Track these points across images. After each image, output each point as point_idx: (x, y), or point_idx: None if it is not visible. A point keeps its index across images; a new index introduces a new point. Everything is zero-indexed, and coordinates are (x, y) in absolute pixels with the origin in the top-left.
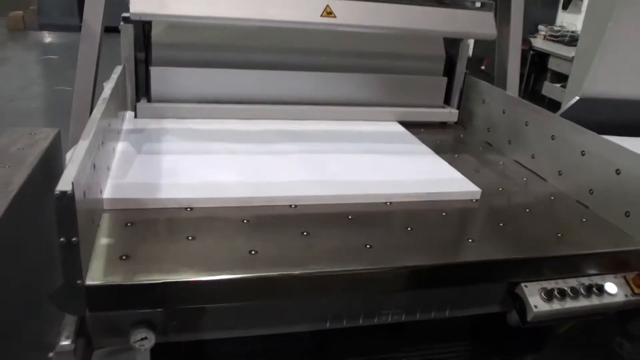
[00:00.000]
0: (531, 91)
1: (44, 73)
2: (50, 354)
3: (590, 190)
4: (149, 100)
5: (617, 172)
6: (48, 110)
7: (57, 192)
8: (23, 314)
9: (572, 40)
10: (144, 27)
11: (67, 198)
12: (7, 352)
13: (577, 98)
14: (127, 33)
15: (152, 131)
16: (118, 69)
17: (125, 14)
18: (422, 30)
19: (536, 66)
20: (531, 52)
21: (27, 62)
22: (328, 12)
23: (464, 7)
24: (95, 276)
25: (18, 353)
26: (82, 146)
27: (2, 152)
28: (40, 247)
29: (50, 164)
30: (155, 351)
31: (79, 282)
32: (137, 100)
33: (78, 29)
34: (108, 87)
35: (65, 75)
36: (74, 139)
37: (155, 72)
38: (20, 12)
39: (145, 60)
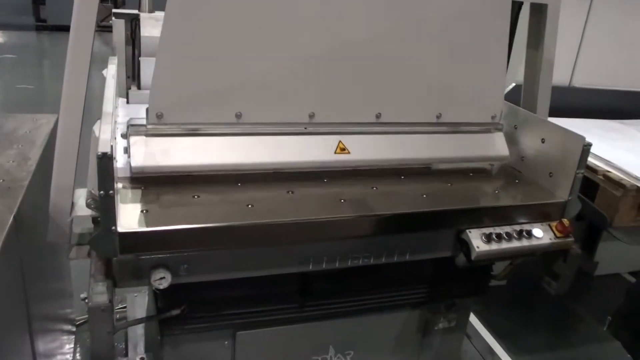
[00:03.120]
0: None
1: (1, 72)
2: (82, 295)
3: (522, 157)
4: (139, 88)
5: (542, 141)
6: (11, 108)
7: (99, 154)
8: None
9: None
10: (132, 22)
11: (107, 158)
12: (39, 296)
13: (514, 84)
14: (119, 28)
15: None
16: (113, 60)
17: (116, 10)
18: (440, 159)
19: None
20: None
21: None
22: (342, 149)
23: (475, 132)
24: (124, 224)
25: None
26: (107, 119)
27: (12, 135)
28: None
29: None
30: (164, 295)
31: (113, 228)
32: (128, 87)
33: (32, 28)
34: (110, 75)
35: (24, 74)
36: (60, 183)
37: (144, 62)
38: None
39: (132, 52)
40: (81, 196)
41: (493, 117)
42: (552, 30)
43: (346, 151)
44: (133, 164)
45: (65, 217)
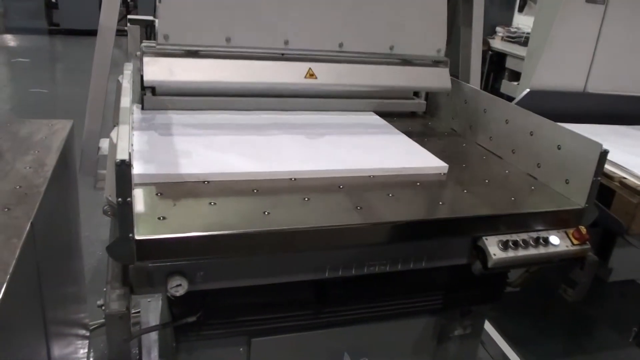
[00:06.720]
0: (491, 89)
1: (15, 76)
2: (99, 301)
3: (538, 164)
4: (154, 94)
5: (559, 147)
6: (24, 113)
7: (117, 161)
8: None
9: (527, 40)
10: (147, 28)
11: (125, 165)
12: (55, 301)
13: (528, 90)
14: (134, 33)
15: (161, 120)
16: (129, 66)
17: (131, 17)
18: (391, 87)
19: (495, 65)
20: (490, 52)
21: None
22: (310, 74)
23: (424, 65)
24: (142, 232)
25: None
26: (124, 127)
27: (29, 140)
28: (69, 215)
29: (70, 149)
30: (179, 301)
31: (130, 235)
32: (143, 93)
33: (46, 32)
34: (127, 80)
35: (38, 78)
36: (90, 129)
37: None
38: None
39: None
40: (105, 142)
41: (438, 51)
42: (478, 10)
43: (314, 76)
44: (146, 78)
45: (93, 156)
